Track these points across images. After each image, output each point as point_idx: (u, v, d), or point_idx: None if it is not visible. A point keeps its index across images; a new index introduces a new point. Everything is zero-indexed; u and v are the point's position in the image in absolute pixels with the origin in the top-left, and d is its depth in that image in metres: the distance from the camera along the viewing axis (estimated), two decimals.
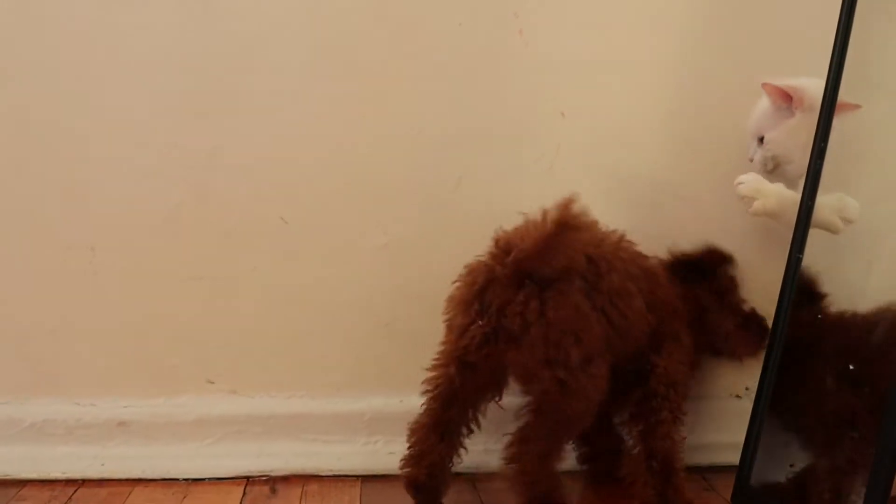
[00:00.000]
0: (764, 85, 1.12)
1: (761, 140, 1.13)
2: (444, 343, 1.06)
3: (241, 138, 1.18)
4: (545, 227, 0.97)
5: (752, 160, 1.15)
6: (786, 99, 1.12)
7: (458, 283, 1.05)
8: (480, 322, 1.00)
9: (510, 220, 1.20)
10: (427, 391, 1.08)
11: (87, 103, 1.16)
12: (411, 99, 1.18)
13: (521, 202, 1.19)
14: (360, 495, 1.16)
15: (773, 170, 1.13)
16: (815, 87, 1.10)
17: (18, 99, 1.15)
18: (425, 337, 1.23)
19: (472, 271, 1.04)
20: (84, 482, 1.19)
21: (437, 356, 1.07)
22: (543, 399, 1.02)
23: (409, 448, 1.08)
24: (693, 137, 1.21)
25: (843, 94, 1.08)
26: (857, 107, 1.09)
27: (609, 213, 1.14)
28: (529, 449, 1.04)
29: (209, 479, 1.20)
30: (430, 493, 1.07)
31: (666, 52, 1.19)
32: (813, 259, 1.12)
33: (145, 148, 1.17)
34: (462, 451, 1.09)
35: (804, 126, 1.10)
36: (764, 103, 1.14)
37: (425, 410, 1.08)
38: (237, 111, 1.17)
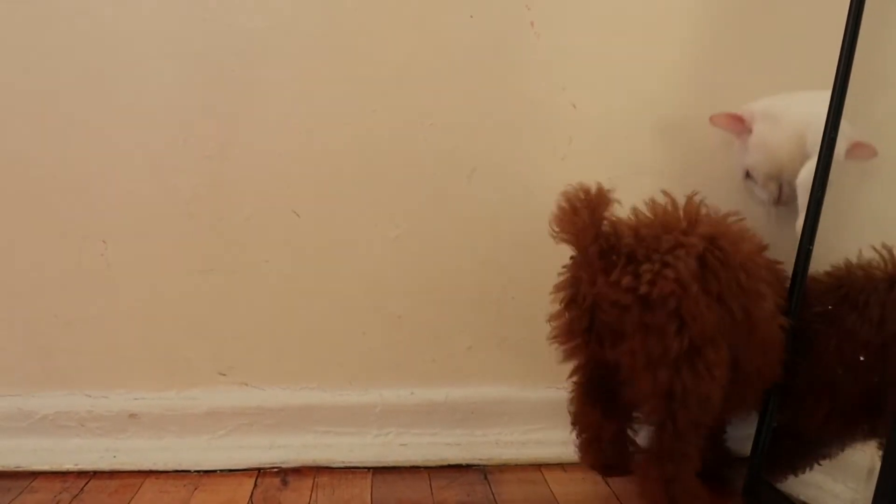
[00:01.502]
0: (712, 118, 1.14)
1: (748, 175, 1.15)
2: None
3: (252, 131, 1.18)
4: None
5: (765, 202, 1.15)
6: (737, 123, 1.13)
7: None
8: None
9: (522, 212, 1.21)
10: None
11: (99, 97, 1.16)
12: (423, 91, 1.18)
13: (533, 194, 1.21)
14: (372, 487, 1.16)
15: (778, 196, 1.13)
16: (760, 101, 1.12)
17: (31, 93, 1.16)
18: (437, 329, 1.24)
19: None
20: (95, 474, 1.20)
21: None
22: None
23: (579, 437, 1.07)
24: (705, 129, 1.21)
25: (852, 89, 1.08)
26: (874, 153, 1.09)
27: (620, 203, 1.14)
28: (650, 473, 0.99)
29: (220, 470, 1.21)
30: (619, 468, 1.07)
31: (677, 45, 1.19)
32: (823, 250, 1.12)
33: (158, 141, 1.18)
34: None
35: (764, 132, 1.11)
36: (735, 146, 1.16)
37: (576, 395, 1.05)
38: (249, 104, 1.17)
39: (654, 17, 1.18)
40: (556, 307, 0.98)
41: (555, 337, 0.99)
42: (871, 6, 1.06)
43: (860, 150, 1.08)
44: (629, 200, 1.18)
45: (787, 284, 1.08)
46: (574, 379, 1.04)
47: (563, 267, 0.99)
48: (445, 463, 1.23)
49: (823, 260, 1.12)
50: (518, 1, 1.16)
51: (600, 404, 1.04)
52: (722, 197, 1.21)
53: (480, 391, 1.25)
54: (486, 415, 1.25)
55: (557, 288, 0.98)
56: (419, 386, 1.25)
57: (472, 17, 1.16)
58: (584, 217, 0.93)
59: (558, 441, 1.24)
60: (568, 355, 1.00)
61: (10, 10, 1.13)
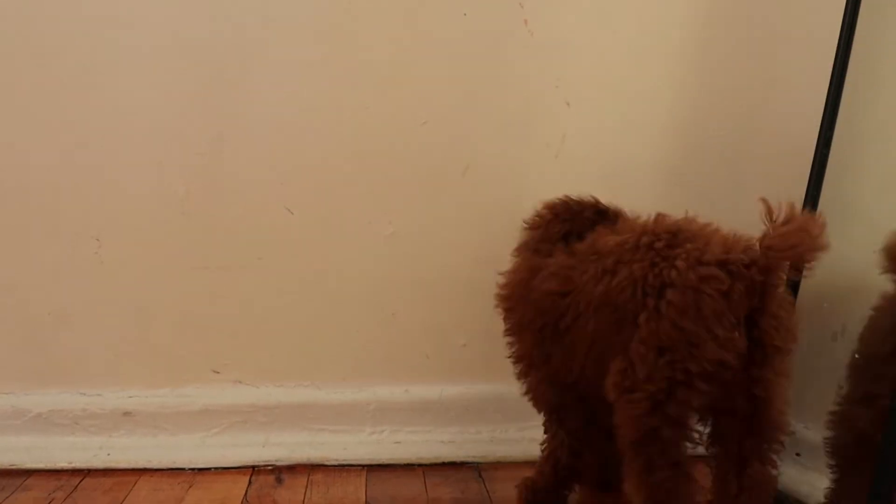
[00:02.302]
0: None
1: None
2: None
3: (246, 129, 1.18)
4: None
5: None
6: None
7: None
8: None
9: (516, 209, 1.21)
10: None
11: (92, 94, 1.16)
12: (417, 89, 1.18)
13: (527, 191, 1.20)
14: (366, 484, 1.17)
15: None
16: None
17: (25, 90, 1.15)
18: (431, 326, 1.24)
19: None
20: (90, 472, 1.20)
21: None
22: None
23: None
24: (698, 125, 1.21)
25: (847, 89, 1.08)
26: None
27: (614, 200, 1.14)
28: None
29: (215, 468, 1.21)
30: None
31: (671, 42, 1.19)
32: None
33: (151, 138, 1.17)
34: None
35: None
36: None
37: None
38: (242, 102, 1.17)
39: (647, 15, 1.18)
40: None
41: None
42: (867, 3, 1.06)
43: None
44: (623, 197, 1.18)
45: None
46: None
47: None
48: (439, 460, 1.23)
49: (821, 258, 1.12)
50: None
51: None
52: (719, 190, 1.22)
53: (474, 389, 1.25)
54: (481, 412, 1.25)
55: None
56: (413, 383, 1.25)
57: (465, 14, 1.16)
58: None
59: None
60: None
61: (4, 6, 1.13)
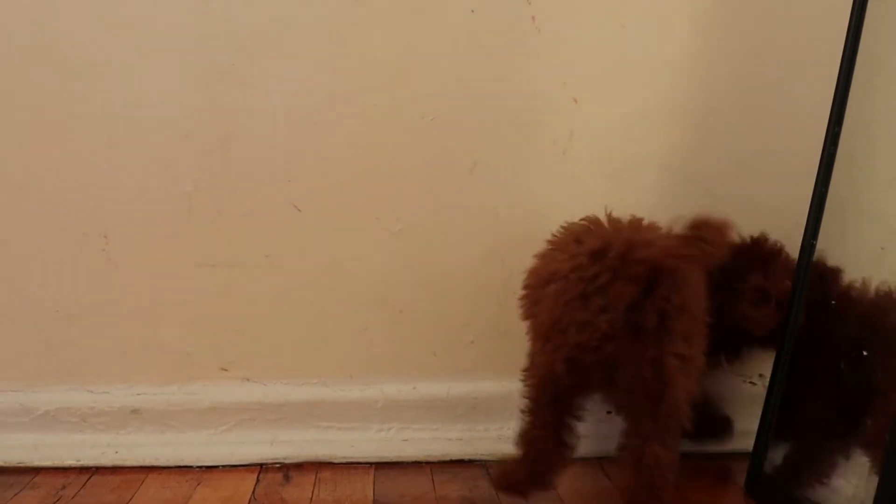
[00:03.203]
0: None
1: None
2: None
3: (253, 126, 1.18)
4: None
5: None
6: None
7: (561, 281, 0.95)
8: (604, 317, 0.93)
9: (524, 206, 1.21)
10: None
11: (100, 92, 1.16)
12: (424, 86, 1.18)
13: (534, 188, 1.21)
14: (374, 482, 1.16)
15: None
16: None
17: (33, 88, 1.15)
18: (439, 324, 1.24)
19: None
20: (98, 469, 1.20)
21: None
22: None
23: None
24: (706, 123, 1.21)
25: (855, 85, 1.08)
26: None
27: (621, 198, 1.14)
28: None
29: (223, 466, 1.21)
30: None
31: (679, 38, 1.19)
32: (826, 245, 1.11)
33: (158, 135, 1.17)
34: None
35: None
36: None
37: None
38: (250, 99, 1.17)
39: (655, 11, 1.18)
40: None
41: None
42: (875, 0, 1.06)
43: None
44: (631, 195, 1.18)
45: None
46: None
47: None
48: (447, 458, 1.23)
49: (826, 256, 1.12)
50: None
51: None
52: (727, 186, 1.22)
53: (482, 386, 1.25)
54: (488, 409, 1.25)
55: None
56: (421, 381, 1.25)
57: (473, 11, 1.16)
58: None
59: None
60: None
61: (12, 3, 1.13)
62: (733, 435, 1.24)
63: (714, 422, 1.24)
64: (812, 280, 1.10)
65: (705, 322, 1.00)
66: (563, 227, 1.03)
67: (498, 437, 1.23)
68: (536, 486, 1.05)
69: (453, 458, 1.23)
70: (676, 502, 1.07)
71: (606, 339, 0.91)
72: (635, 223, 0.98)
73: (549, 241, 1.02)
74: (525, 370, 1.07)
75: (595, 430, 1.25)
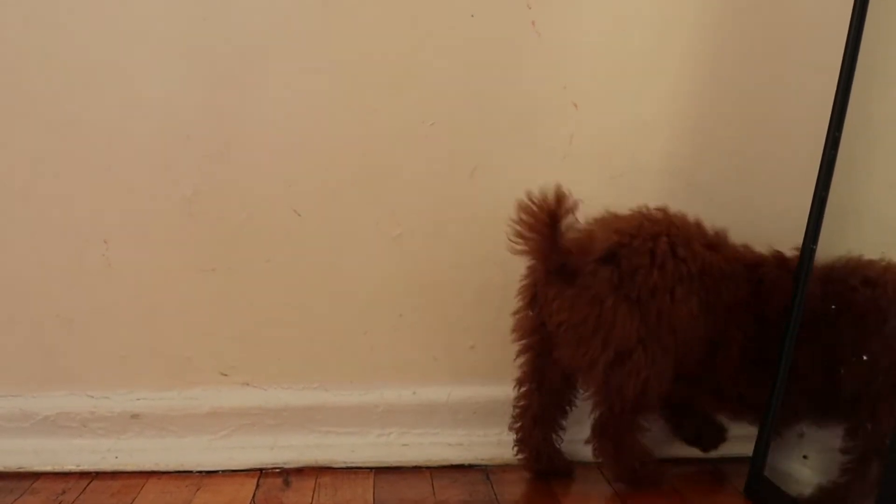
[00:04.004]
0: None
1: None
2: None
3: (254, 130, 1.18)
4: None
5: None
6: None
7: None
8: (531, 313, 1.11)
9: None
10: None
11: (100, 96, 1.16)
12: (425, 90, 1.18)
13: (534, 192, 1.20)
14: (374, 487, 1.16)
15: None
16: None
17: (33, 92, 1.15)
18: (438, 328, 1.24)
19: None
20: (97, 474, 1.20)
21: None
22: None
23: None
24: (706, 127, 1.21)
25: (855, 89, 1.08)
26: None
27: (621, 201, 1.14)
28: (604, 441, 1.12)
29: (222, 471, 1.21)
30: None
31: (679, 42, 1.19)
32: (827, 249, 1.11)
33: (159, 141, 1.17)
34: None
35: None
36: None
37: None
38: (250, 104, 1.17)
39: (656, 16, 1.18)
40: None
41: (513, 331, 1.14)
42: (876, 3, 1.06)
43: None
44: (631, 199, 1.18)
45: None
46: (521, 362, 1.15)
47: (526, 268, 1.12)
48: (447, 463, 1.23)
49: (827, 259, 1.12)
50: (519, 0, 1.16)
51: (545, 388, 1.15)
52: (727, 190, 1.22)
53: (483, 391, 1.24)
54: (489, 414, 1.24)
55: (519, 291, 1.13)
56: (421, 386, 1.25)
57: (473, 16, 1.16)
58: (541, 232, 1.02)
59: None
60: (521, 350, 1.14)
61: (11, 6, 1.13)
62: (725, 441, 1.24)
63: (707, 428, 1.24)
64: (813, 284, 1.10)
65: None
66: None
67: (498, 442, 1.23)
68: None
69: (453, 462, 1.23)
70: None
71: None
72: None
73: None
74: None
75: None
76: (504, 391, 1.22)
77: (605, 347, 1.04)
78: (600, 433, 1.11)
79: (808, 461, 1.17)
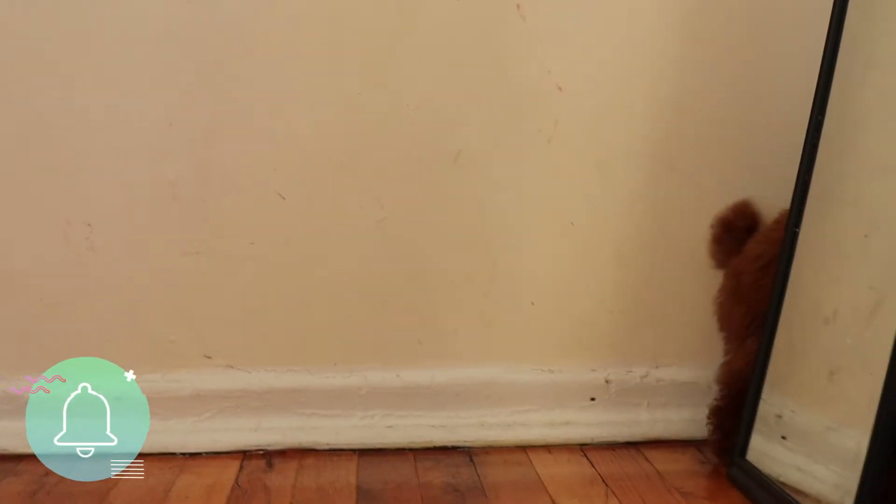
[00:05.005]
0: None
1: None
2: None
3: (237, 115, 1.18)
4: None
5: None
6: None
7: None
8: None
9: (508, 195, 1.21)
10: None
11: (84, 80, 1.15)
12: (408, 74, 1.18)
13: (519, 177, 1.21)
14: (357, 469, 1.17)
15: None
16: None
17: (16, 76, 1.15)
18: (422, 311, 1.24)
19: None
20: None
21: None
22: None
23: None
24: (691, 111, 1.21)
25: (838, 73, 1.08)
26: None
27: (606, 186, 1.14)
28: None
29: (206, 453, 1.21)
30: None
31: (664, 27, 1.19)
32: (810, 232, 1.12)
33: (142, 124, 1.17)
34: None
35: None
36: None
37: None
38: (234, 88, 1.17)
39: (640, 1, 1.18)
40: None
41: None
42: None
43: None
44: (615, 183, 1.18)
45: None
46: None
47: None
48: (431, 445, 1.23)
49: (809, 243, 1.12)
50: None
51: None
52: (712, 175, 1.23)
53: (466, 373, 1.25)
54: (472, 397, 1.25)
55: None
56: (405, 368, 1.25)
57: None
58: None
59: (543, 423, 1.25)
60: None
61: None
62: None
63: None
64: None
65: None
66: None
67: (481, 423, 1.24)
68: None
69: (436, 444, 1.23)
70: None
71: None
72: None
73: None
74: None
75: (578, 416, 1.26)
76: (487, 374, 1.23)
77: None
78: None
79: (786, 442, 1.18)
